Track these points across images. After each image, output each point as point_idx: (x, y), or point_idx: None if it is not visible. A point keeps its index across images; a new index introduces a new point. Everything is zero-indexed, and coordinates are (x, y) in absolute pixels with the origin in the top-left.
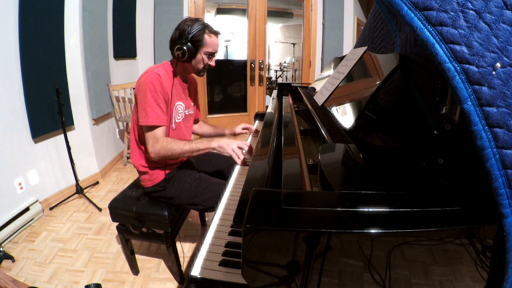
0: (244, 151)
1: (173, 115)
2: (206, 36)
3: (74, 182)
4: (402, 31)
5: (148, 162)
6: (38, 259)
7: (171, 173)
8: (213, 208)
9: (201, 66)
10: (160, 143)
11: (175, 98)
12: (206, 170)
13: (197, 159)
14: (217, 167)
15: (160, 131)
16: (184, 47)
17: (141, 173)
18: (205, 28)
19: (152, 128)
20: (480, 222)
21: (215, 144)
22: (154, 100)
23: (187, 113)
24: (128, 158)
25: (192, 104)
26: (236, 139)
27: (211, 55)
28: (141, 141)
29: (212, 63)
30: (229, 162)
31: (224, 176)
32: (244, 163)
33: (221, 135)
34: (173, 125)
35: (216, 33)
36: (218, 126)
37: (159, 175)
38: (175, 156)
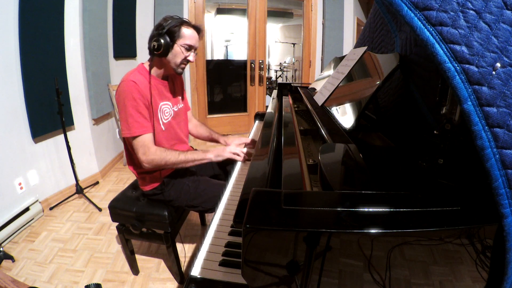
0: (244, 149)
1: (159, 116)
2: (183, 28)
3: (74, 182)
4: (402, 31)
5: (144, 169)
6: (38, 259)
7: (169, 176)
8: (212, 209)
9: (179, 60)
10: (153, 152)
11: (158, 99)
12: (205, 172)
13: None
14: (216, 168)
15: (147, 138)
16: (161, 39)
17: (138, 177)
18: (183, 22)
19: (138, 137)
20: (480, 222)
21: (211, 155)
22: (134, 109)
23: (176, 110)
24: None
25: (180, 98)
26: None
27: (189, 48)
28: (133, 149)
29: (191, 58)
30: (229, 163)
31: (224, 177)
32: (248, 156)
33: (215, 141)
34: (162, 126)
35: (193, 27)
36: (214, 131)
37: (157, 179)
38: (168, 166)
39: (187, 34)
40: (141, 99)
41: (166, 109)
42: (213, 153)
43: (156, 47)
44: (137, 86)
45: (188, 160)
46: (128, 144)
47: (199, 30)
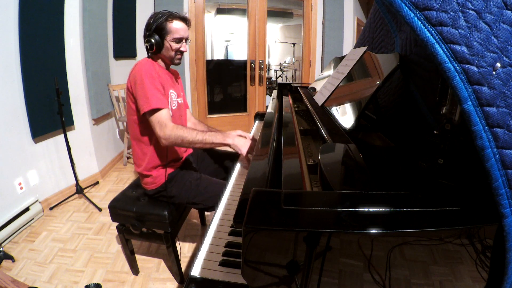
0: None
1: (169, 102)
2: (168, 23)
3: (74, 182)
4: (402, 31)
5: (151, 162)
6: (38, 259)
7: (173, 173)
8: (213, 207)
9: (172, 53)
10: (170, 128)
11: (168, 85)
12: (205, 169)
13: (196, 158)
14: (216, 166)
15: (164, 114)
16: (152, 39)
17: (144, 176)
18: (168, 16)
19: (155, 112)
20: (480, 222)
21: (230, 140)
22: (152, 85)
23: (179, 102)
24: (128, 158)
25: (182, 93)
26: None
27: (179, 40)
28: (145, 135)
29: (183, 48)
30: (229, 161)
31: (223, 173)
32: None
33: None
34: (170, 112)
35: (179, 18)
36: (212, 128)
37: (161, 177)
38: (185, 144)
39: (175, 28)
40: (158, 78)
41: (173, 97)
42: (232, 140)
43: (149, 47)
44: (154, 65)
45: (206, 142)
46: (136, 133)
47: (185, 20)
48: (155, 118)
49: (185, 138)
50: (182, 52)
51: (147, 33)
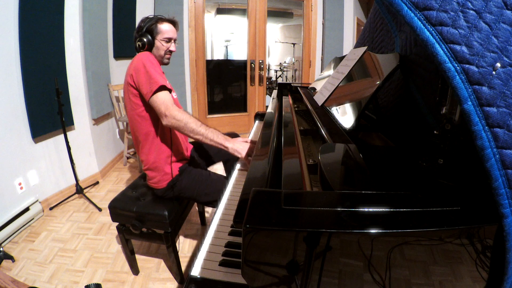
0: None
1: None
2: (159, 25)
3: (74, 182)
4: (402, 31)
5: (159, 154)
6: (38, 259)
7: (183, 166)
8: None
9: (162, 52)
10: (177, 108)
11: (165, 77)
12: (206, 160)
13: (195, 153)
14: (213, 159)
15: (169, 96)
16: (144, 38)
17: (152, 171)
18: (158, 19)
19: (160, 90)
20: (480, 222)
21: (229, 144)
22: (155, 70)
23: (175, 96)
24: (128, 158)
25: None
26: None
27: (168, 40)
28: (151, 127)
29: (173, 48)
30: (226, 157)
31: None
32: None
33: None
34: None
35: (168, 21)
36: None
37: (169, 174)
38: (186, 130)
39: (164, 29)
40: (158, 66)
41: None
42: (232, 145)
43: (140, 46)
44: (153, 56)
45: (207, 137)
46: (140, 128)
47: (174, 22)
48: (160, 99)
49: (189, 123)
50: (171, 52)
51: (139, 33)
